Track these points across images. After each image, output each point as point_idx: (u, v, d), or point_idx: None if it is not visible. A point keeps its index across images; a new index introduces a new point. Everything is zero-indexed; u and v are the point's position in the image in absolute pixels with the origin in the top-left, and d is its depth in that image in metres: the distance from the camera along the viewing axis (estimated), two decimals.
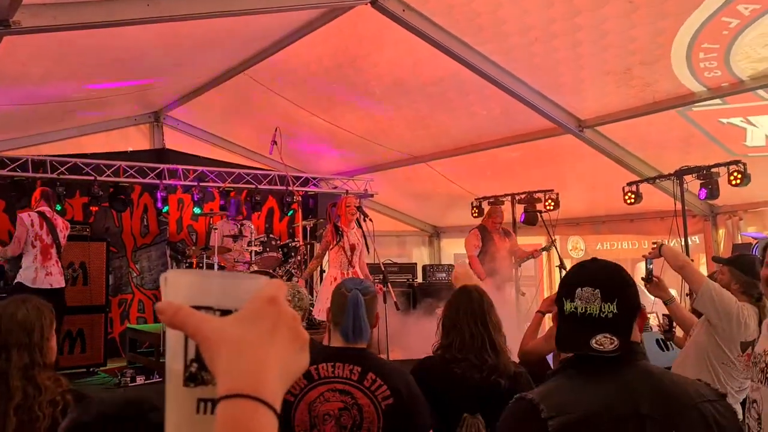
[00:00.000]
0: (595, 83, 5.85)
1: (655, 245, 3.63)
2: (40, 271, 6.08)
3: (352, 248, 5.96)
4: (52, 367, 2.13)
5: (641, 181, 6.97)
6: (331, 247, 6.03)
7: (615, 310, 1.47)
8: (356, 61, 6.41)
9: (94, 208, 7.99)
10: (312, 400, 2.26)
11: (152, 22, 4.22)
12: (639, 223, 8.45)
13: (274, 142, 6.87)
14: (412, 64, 6.21)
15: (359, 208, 5.97)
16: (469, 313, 2.73)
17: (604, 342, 1.43)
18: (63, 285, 6.33)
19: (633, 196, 7.03)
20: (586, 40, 5.16)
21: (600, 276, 1.53)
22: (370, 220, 5.90)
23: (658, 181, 6.77)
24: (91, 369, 6.70)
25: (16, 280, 6.06)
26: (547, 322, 3.45)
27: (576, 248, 9.52)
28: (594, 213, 8.86)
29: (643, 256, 3.73)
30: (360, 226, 5.89)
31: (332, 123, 7.77)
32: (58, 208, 7.62)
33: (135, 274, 8.69)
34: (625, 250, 8.93)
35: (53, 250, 6.21)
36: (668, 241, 6.87)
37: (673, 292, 3.72)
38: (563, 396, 1.43)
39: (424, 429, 2.35)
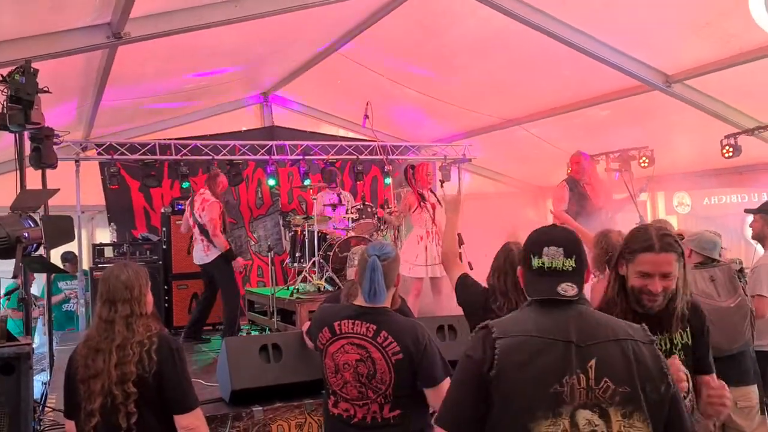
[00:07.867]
0: (677, 38, 5.75)
1: None
2: (193, 252, 6.95)
3: (433, 207, 6.44)
4: (147, 316, 2.68)
5: (740, 133, 6.73)
6: (413, 209, 6.51)
7: (574, 264, 1.83)
8: (442, 33, 6.64)
9: None
10: (334, 351, 2.68)
11: (239, 21, 4.75)
12: (749, 175, 8.08)
13: (366, 116, 7.27)
14: (497, 32, 6.33)
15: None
16: (516, 282, 2.65)
17: (567, 289, 1.78)
18: (204, 261, 6.66)
19: (731, 149, 6.80)
20: None
21: (562, 238, 1.87)
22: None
23: (757, 132, 6.52)
24: (216, 326, 7.56)
25: None
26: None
27: (682, 204, 9.22)
28: (701, 167, 8.51)
29: None
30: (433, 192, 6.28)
31: (425, 94, 8.08)
32: (186, 185, 8.53)
33: (253, 242, 9.57)
34: (733, 204, 8.56)
35: (195, 230, 6.71)
36: None
37: None
38: (513, 323, 1.82)
39: (434, 379, 2.62)
